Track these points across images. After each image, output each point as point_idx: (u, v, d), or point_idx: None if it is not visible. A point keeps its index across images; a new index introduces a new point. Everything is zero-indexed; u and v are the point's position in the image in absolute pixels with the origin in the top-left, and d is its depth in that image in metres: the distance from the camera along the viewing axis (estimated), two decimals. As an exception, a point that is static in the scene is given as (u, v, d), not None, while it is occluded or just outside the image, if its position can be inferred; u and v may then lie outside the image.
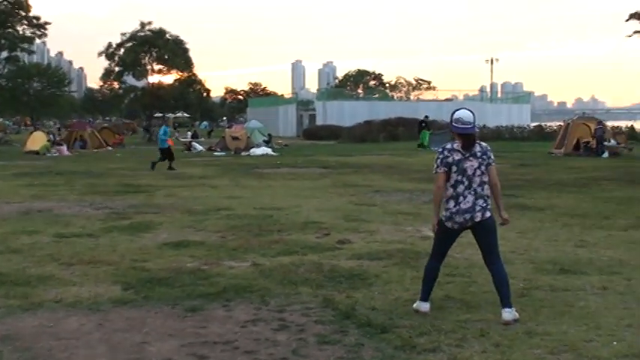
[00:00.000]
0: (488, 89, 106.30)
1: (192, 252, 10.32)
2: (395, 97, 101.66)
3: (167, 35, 78.11)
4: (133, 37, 76.56)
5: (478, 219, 6.93)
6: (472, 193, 6.93)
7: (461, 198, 6.93)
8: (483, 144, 7.09)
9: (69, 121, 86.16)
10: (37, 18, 72.89)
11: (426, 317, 6.89)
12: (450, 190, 6.97)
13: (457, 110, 7.16)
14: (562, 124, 40.94)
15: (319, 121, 69.43)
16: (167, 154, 27.21)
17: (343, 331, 6.54)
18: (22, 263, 9.59)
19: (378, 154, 36.84)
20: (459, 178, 6.93)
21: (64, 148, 40.26)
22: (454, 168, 6.93)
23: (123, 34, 77.21)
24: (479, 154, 6.98)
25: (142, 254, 10.17)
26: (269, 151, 39.96)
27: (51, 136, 45.93)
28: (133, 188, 19.53)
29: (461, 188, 6.93)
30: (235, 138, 42.39)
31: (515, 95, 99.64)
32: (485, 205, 6.96)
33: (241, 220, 13.31)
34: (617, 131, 44.03)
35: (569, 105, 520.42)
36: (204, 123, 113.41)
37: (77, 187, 20.07)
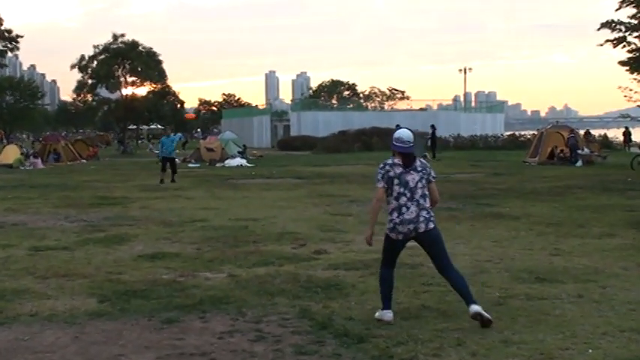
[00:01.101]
0: (462, 99, 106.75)
1: (168, 264, 10.28)
2: (369, 107, 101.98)
3: (140, 47, 78.05)
4: (106, 49, 76.44)
5: (422, 230, 7.14)
6: (415, 204, 7.15)
7: (404, 209, 7.14)
8: (423, 161, 7.40)
9: (42, 134, 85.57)
10: (9, 31, 72.70)
11: (402, 327, 6.90)
12: (394, 203, 7.21)
13: (398, 130, 7.54)
14: (536, 133, 41.23)
15: (294, 132, 69.46)
16: (173, 164, 27.00)
17: (320, 341, 6.53)
18: (-4, 277, 9.50)
19: (353, 164, 36.92)
20: (402, 190, 7.18)
21: (39, 161, 39.95)
22: (396, 181, 7.19)
23: (96, 47, 77.14)
24: (419, 168, 7.30)
25: (118, 266, 10.11)
26: (244, 162, 39.90)
27: (24, 149, 45.58)
28: (108, 200, 19.43)
29: (403, 200, 7.17)
30: (210, 149, 42.33)
31: (489, 104, 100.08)
32: (428, 216, 7.17)
33: (217, 232, 13.28)
34: (590, 139, 44.40)
35: (542, 114, 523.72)
36: (179, 134, 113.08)
37: (52, 200, 19.92)
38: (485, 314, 6.88)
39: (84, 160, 45.88)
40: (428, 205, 7.20)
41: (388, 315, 7.18)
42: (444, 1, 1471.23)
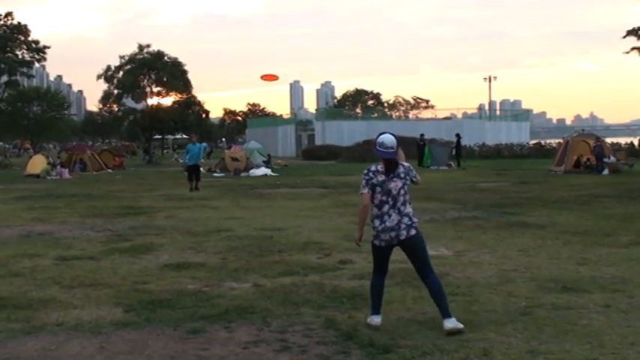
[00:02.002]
0: (487, 107, 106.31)
1: (193, 273, 10.30)
2: (393, 117, 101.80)
3: (165, 57, 78.46)
4: (132, 59, 76.91)
5: (403, 237, 7.20)
6: (396, 211, 7.22)
7: (386, 217, 7.23)
8: (406, 164, 7.39)
9: (68, 144, 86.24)
10: (37, 42, 73.36)
11: (428, 337, 6.87)
12: (376, 210, 7.30)
13: (381, 134, 7.43)
14: (561, 141, 40.99)
15: (318, 141, 69.51)
16: (197, 172, 27.07)
17: (345, 351, 6.52)
18: (23, 286, 9.57)
19: (378, 173, 36.74)
20: (384, 198, 7.26)
21: (66, 171, 40.22)
22: (378, 189, 7.26)
23: (122, 57, 77.63)
24: (402, 174, 7.30)
25: (143, 276, 10.15)
26: (268, 171, 39.94)
27: (51, 159, 45.94)
28: (134, 210, 19.52)
29: (386, 207, 7.25)
30: (235, 159, 42.39)
31: (514, 113, 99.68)
32: (410, 223, 7.22)
33: (242, 241, 13.30)
34: (616, 148, 44.12)
35: (568, 122, 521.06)
36: (204, 144, 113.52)
37: (78, 209, 20.05)
38: (459, 326, 6.94)
39: (110, 170, 46.13)
40: (409, 210, 7.27)
41: (375, 320, 7.30)
42: (468, 10, 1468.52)
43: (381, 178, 7.26)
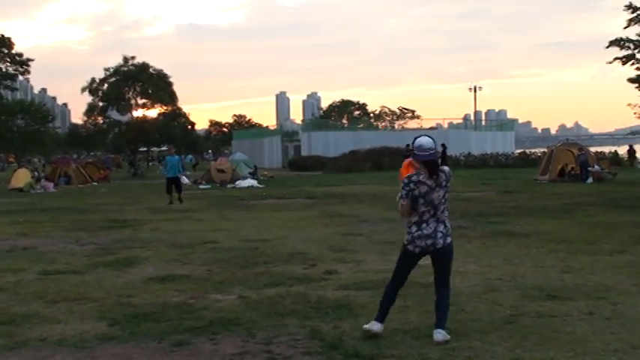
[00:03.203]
0: (472, 117, 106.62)
1: (178, 286, 10.27)
2: (379, 127, 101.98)
3: (150, 69, 78.25)
4: (117, 72, 76.68)
5: (439, 245, 7.10)
6: (435, 219, 7.08)
7: (424, 224, 7.09)
8: (446, 169, 7.20)
9: (53, 157, 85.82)
10: (20, 55, 72.98)
11: (413, 346, 6.87)
12: (416, 217, 7.11)
13: (417, 138, 7.21)
14: (546, 150, 41.20)
15: (304, 152, 69.56)
16: (178, 184, 26.94)
17: (331, 362, 6.51)
18: (6, 301, 9.51)
19: (364, 183, 36.89)
20: (427, 208, 7.06)
21: (51, 184, 40.04)
22: (421, 200, 7.04)
23: (106, 70, 77.38)
24: (444, 183, 7.09)
25: (128, 289, 10.11)
26: (255, 182, 39.93)
27: (35, 172, 45.73)
28: (119, 223, 19.46)
29: (426, 216, 7.09)
30: (221, 170, 42.36)
31: (500, 123, 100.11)
32: (445, 231, 7.12)
33: (227, 253, 13.28)
34: (600, 157, 44.39)
35: (553, 131, 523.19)
36: (190, 156, 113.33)
37: (62, 223, 19.96)
38: (444, 338, 6.94)
39: (95, 183, 46.01)
40: (446, 214, 7.16)
41: (376, 327, 7.23)
42: (454, 21, 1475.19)
43: (424, 189, 7.00)
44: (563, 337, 7.11)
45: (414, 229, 7.13)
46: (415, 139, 7.21)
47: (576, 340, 6.99)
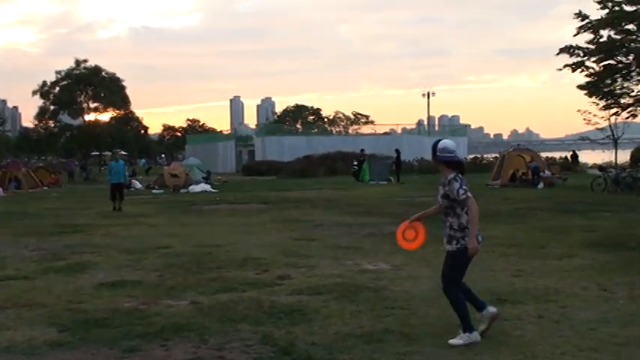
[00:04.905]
0: (425, 122, 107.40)
1: (129, 292, 10.19)
2: (333, 132, 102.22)
3: (103, 73, 77.73)
4: (69, 75, 76.02)
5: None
6: None
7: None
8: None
9: (3, 161, 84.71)
10: (-31, 57, 71.93)
11: (365, 351, 6.90)
12: (466, 216, 7.13)
13: (438, 141, 7.29)
14: (498, 155, 41.65)
15: (258, 157, 69.51)
16: (121, 190, 26.59)
17: (283, 367, 6.51)
18: (-46, 308, 9.36)
19: (318, 188, 36.93)
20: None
21: (0, 189, 39.46)
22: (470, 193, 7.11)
23: (58, 73, 76.67)
24: None
25: (79, 295, 10.00)
26: (208, 187, 39.77)
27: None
28: (70, 228, 19.24)
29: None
30: (174, 175, 42.10)
31: (452, 128, 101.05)
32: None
33: (180, 258, 13.21)
34: (551, 162, 45.05)
35: (505, 137, 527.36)
36: (142, 160, 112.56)
37: (11, 228, 19.68)
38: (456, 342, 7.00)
39: (45, 187, 45.44)
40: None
41: (478, 336, 7.11)
42: (408, 27, 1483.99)
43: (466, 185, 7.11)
44: (513, 340, 7.20)
45: (475, 228, 7.11)
46: (437, 141, 7.28)
47: (526, 343, 7.08)
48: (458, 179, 7.08)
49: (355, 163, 46.95)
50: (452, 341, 7.04)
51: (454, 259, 7.27)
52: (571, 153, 58.28)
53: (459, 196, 7.05)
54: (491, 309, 7.36)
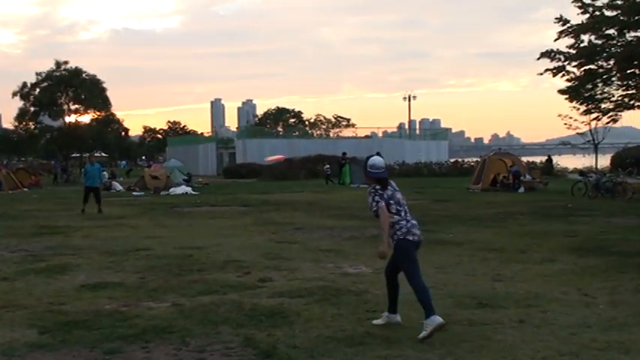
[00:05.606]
0: (406, 126, 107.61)
1: (110, 293, 10.15)
2: (314, 135, 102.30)
3: (84, 74, 77.31)
4: (49, 76, 75.57)
5: (422, 238, 7.90)
6: (410, 216, 7.87)
7: (408, 218, 7.80)
8: (393, 183, 7.94)
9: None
10: (-51, 57, 71.39)
11: (346, 354, 6.90)
12: (397, 217, 7.70)
13: (369, 157, 8.04)
14: (479, 159, 41.81)
15: (239, 159, 69.46)
16: (98, 193, 26.36)
17: (264, 370, 6.50)
18: None
19: (299, 191, 36.96)
20: (398, 207, 7.77)
21: (-21, 190, 39.21)
22: (391, 201, 7.71)
23: (38, 74, 76.18)
24: (398, 188, 7.98)
25: (59, 297, 9.95)
26: (189, 190, 39.68)
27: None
28: (50, 230, 19.15)
29: (402, 213, 7.78)
30: (155, 177, 41.99)
31: (433, 132, 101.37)
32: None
33: (161, 260, 13.17)
34: (532, 167, 45.27)
35: (485, 141, 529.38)
36: (123, 162, 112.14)
37: (-9, 229, 19.55)
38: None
39: (26, 189, 45.17)
40: None
41: (439, 319, 7.42)
42: (390, 30, 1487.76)
43: (389, 191, 7.75)
44: (494, 344, 7.22)
45: (402, 223, 7.72)
46: (368, 158, 8.07)
47: (507, 347, 7.11)
48: (371, 193, 7.74)
49: (327, 166, 47.14)
50: (420, 336, 7.36)
51: (394, 253, 7.86)
52: (546, 158, 58.70)
53: (371, 209, 7.73)
54: (398, 318, 8.05)
